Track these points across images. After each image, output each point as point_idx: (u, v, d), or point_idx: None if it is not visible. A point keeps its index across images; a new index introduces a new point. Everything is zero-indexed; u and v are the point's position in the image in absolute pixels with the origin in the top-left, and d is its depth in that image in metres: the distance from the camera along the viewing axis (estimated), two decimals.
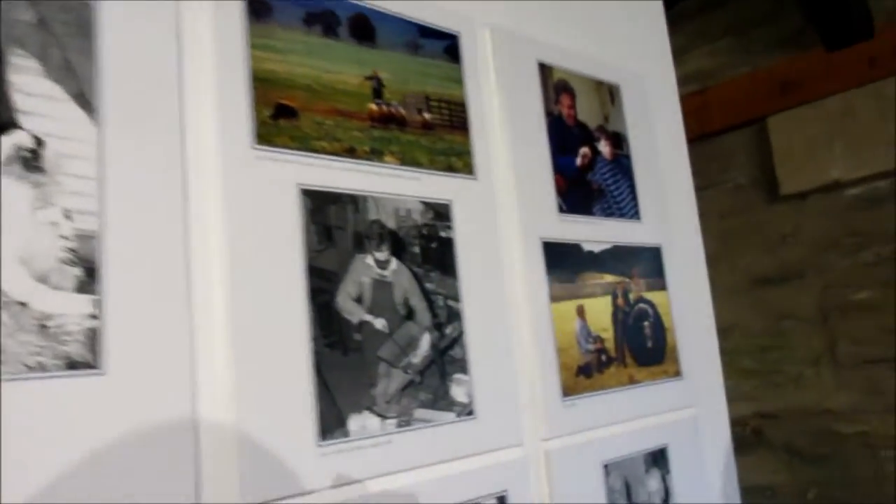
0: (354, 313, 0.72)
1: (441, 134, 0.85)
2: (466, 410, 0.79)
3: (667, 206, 1.16)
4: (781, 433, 2.26)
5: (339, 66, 0.77)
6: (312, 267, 0.69)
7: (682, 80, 2.42)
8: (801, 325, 2.23)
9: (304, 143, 0.72)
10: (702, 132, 2.30)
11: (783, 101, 2.25)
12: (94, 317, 0.56)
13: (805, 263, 2.27)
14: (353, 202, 0.75)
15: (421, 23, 0.86)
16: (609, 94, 1.12)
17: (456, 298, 0.82)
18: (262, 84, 0.70)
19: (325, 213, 0.72)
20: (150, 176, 0.61)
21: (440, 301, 0.80)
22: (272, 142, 0.69)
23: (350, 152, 0.75)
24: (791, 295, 2.27)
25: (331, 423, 0.68)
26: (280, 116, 0.71)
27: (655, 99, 1.20)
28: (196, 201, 0.64)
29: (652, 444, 1.01)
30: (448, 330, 0.80)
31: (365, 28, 0.80)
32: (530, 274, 0.91)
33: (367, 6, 0.81)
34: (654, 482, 1.00)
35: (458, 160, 0.86)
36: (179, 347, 0.61)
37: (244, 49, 0.69)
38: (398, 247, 0.78)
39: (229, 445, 0.62)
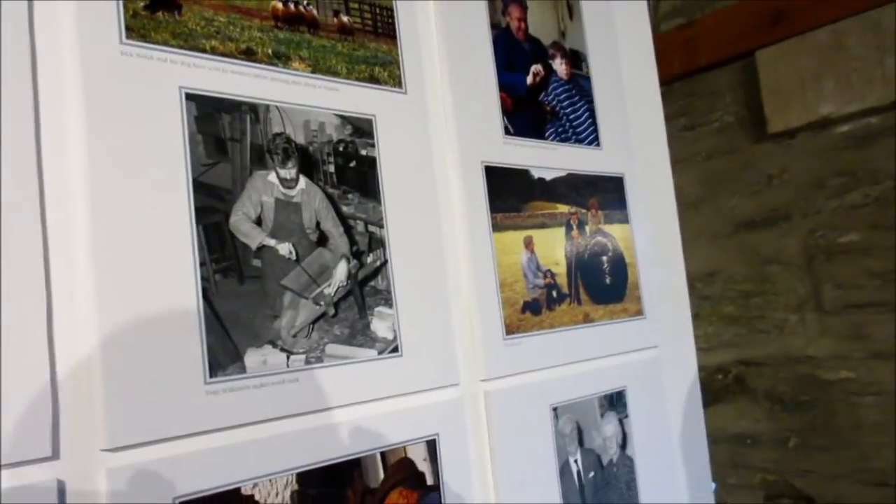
0: (252, 236, 0.64)
1: (362, 40, 0.76)
2: (391, 347, 0.72)
3: (631, 133, 1.07)
4: (763, 380, 2.21)
5: None
6: (199, 183, 0.61)
7: (669, 14, 2.30)
8: (785, 269, 2.16)
9: (188, 41, 0.62)
10: (688, 69, 2.19)
11: (773, 33, 2.13)
12: None
13: (791, 205, 2.18)
14: (252, 111, 0.66)
15: None
16: (567, 7, 1.01)
17: (379, 224, 0.73)
18: None
19: (217, 123, 0.63)
20: None
21: (360, 226, 0.72)
22: (147, 37, 0.60)
23: (248, 55, 0.66)
24: (776, 238, 2.19)
25: (223, 359, 0.60)
26: (158, 8, 0.61)
27: (621, 14, 1.10)
28: (50, 104, 0.55)
29: (608, 386, 0.94)
30: (369, 258, 0.72)
31: None
32: (469, 200, 0.83)
33: None
34: (610, 426, 0.93)
35: (382, 70, 0.76)
36: (31, 278, 0.52)
37: None
38: (308, 164, 0.69)
39: (95, 384, 0.54)
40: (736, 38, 2.13)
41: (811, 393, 1.98)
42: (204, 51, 0.63)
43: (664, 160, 1.14)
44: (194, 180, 0.60)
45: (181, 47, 0.62)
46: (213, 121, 0.63)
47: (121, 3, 0.59)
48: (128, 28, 0.59)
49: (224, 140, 0.63)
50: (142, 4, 0.60)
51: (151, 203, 0.58)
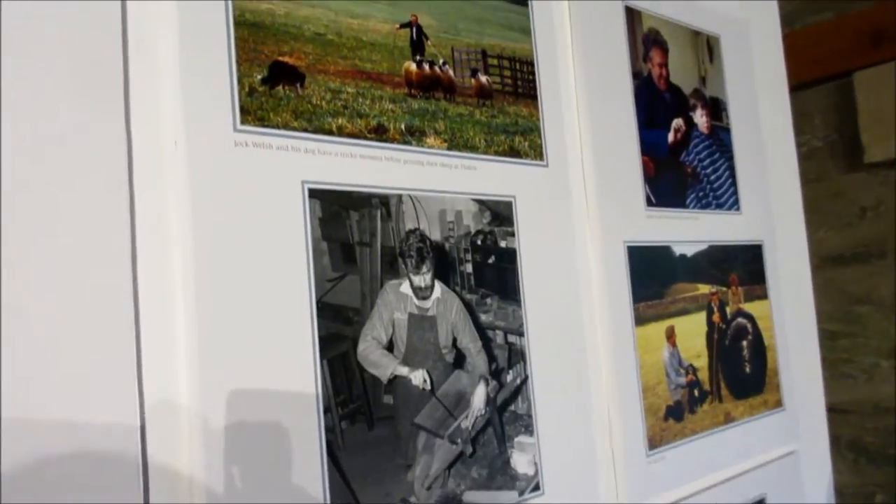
0: (384, 366, 0.51)
1: (501, 104, 0.62)
2: (532, 485, 0.59)
3: (770, 193, 0.93)
4: (849, 429, 2.04)
5: (365, 7, 0.54)
6: (324, 304, 0.48)
7: None
8: (877, 310, 1.98)
9: (312, 122, 0.49)
10: None
11: (873, 54, 1.94)
12: None
13: (886, 242, 2.00)
14: (383, 205, 0.52)
15: None
16: (707, 48, 0.87)
17: (519, 332, 0.60)
18: (252, 33, 0.47)
19: (344, 224, 0.50)
20: (74, 177, 0.40)
21: (499, 337, 0.59)
22: (265, 120, 0.47)
23: (379, 133, 0.53)
24: (867, 277, 2.01)
25: None
26: (278, 81, 0.48)
27: (758, 53, 0.96)
28: (149, 211, 0.43)
29: (749, 496, 0.81)
30: (509, 376, 0.59)
31: None
32: (611, 291, 0.69)
33: None
34: None
35: (523, 140, 0.63)
36: (125, 435, 0.40)
37: None
38: (444, 266, 0.56)
39: None
40: (829, 58, 1.95)
41: None
42: (330, 132, 0.50)
43: (799, 222, 1.00)
44: (318, 301, 0.47)
45: (304, 130, 0.48)
46: (339, 222, 0.50)
47: (235, 78, 0.45)
48: (243, 110, 0.46)
49: (352, 246, 0.50)
50: (259, 78, 0.47)
51: (268, 335, 0.45)
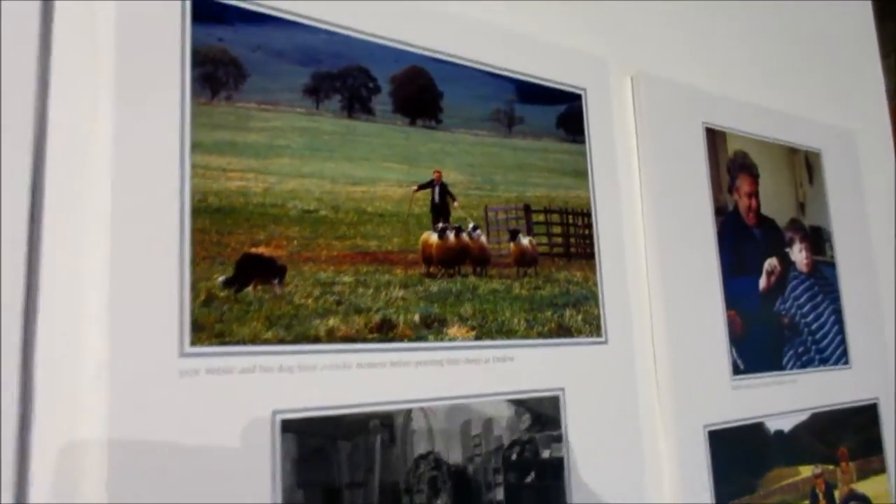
0: None
1: (549, 270, 0.50)
2: None
3: (885, 336, 0.76)
4: None
5: (372, 167, 0.43)
6: None
7: None
8: None
9: (292, 330, 0.38)
10: None
11: None
12: None
13: None
14: (386, 427, 0.40)
15: (520, 77, 0.50)
16: (806, 167, 0.72)
17: None
18: (215, 222, 0.36)
19: (329, 461, 0.38)
20: None
21: None
22: (227, 336, 0.36)
23: (384, 330, 0.41)
24: None
25: None
26: (248, 280, 0.37)
27: (868, 166, 0.80)
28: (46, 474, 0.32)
29: None
30: None
31: (424, 95, 0.45)
32: (687, 493, 0.54)
33: (430, 55, 0.46)
34: None
35: (575, 314, 0.50)
36: None
37: (179, 153, 0.36)
38: (466, 495, 0.43)
39: None
40: None
41: None
42: (317, 339, 0.38)
43: None
44: None
45: (281, 341, 0.37)
46: (323, 459, 0.38)
47: (187, 284, 0.35)
48: (195, 326, 0.35)
49: (339, 491, 0.38)
50: (221, 280, 0.36)
51: None
